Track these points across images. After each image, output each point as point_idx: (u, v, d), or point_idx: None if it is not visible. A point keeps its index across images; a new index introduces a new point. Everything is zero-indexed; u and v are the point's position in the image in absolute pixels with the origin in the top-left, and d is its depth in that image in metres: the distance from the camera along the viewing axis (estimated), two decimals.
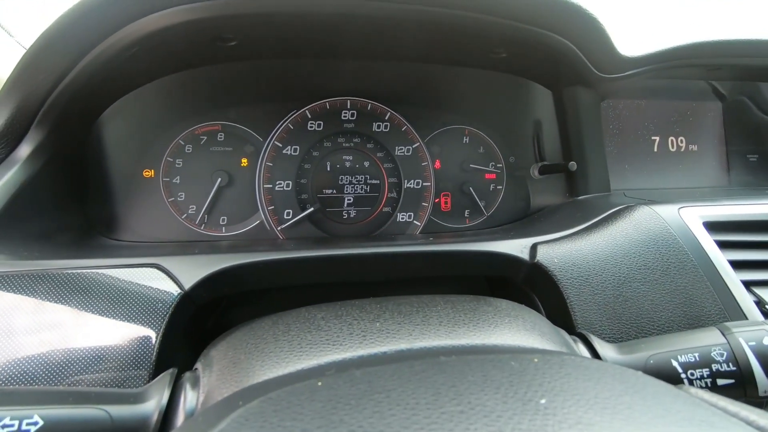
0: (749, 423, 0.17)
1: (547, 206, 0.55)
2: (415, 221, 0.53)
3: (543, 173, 0.53)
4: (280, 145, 0.50)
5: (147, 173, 0.49)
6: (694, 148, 0.71)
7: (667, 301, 0.35)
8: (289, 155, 0.50)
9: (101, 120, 0.44)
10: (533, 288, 0.39)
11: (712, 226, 0.39)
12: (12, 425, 0.18)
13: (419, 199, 0.54)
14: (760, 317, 0.35)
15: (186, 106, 0.49)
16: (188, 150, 0.50)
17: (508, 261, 0.38)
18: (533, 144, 0.55)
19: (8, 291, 0.29)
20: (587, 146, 0.51)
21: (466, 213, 0.57)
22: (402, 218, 0.53)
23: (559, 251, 0.38)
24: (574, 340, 0.29)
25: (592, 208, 0.45)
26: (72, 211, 0.43)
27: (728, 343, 0.25)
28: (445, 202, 0.56)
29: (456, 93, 0.55)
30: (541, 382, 0.17)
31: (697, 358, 0.25)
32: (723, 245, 0.38)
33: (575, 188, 0.53)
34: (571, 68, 0.46)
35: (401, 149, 0.53)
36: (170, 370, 0.25)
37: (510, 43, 0.43)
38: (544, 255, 0.38)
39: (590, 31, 0.41)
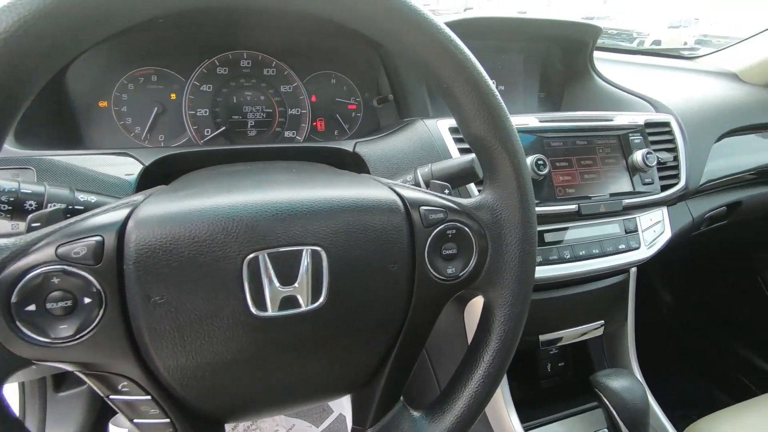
0: (391, 187, 0.45)
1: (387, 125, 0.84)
2: (297, 137, 0.80)
3: (379, 103, 0.81)
4: (198, 84, 0.73)
5: (102, 104, 0.70)
6: (502, 88, 1.03)
7: None
8: (205, 91, 0.74)
9: (73, 65, 0.65)
10: (356, 169, 0.68)
11: (452, 130, 0.69)
12: None
13: (300, 122, 0.80)
14: None
15: (127, 56, 0.70)
16: (131, 87, 0.71)
17: (339, 152, 0.66)
18: (376, 85, 0.83)
19: (50, 168, 0.51)
20: (406, 86, 0.80)
21: (335, 132, 0.84)
22: (288, 135, 0.79)
23: (370, 146, 0.67)
24: None
25: (401, 123, 0.74)
26: (60, 128, 0.64)
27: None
28: (320, 125, 0.83)
29: (324, 51, 0.80)
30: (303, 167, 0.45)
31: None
32: (456, 140, 0.68)
33: (402, 113, 0.82)
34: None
35: (285, 87, 0.78)
36: None
37: (334, 24, 0.69)
38: (359, 148, 0.66)
39: None
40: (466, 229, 0.42)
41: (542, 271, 0.72)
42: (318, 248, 0.35)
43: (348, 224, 0.37)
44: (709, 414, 0.85)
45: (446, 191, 0.48)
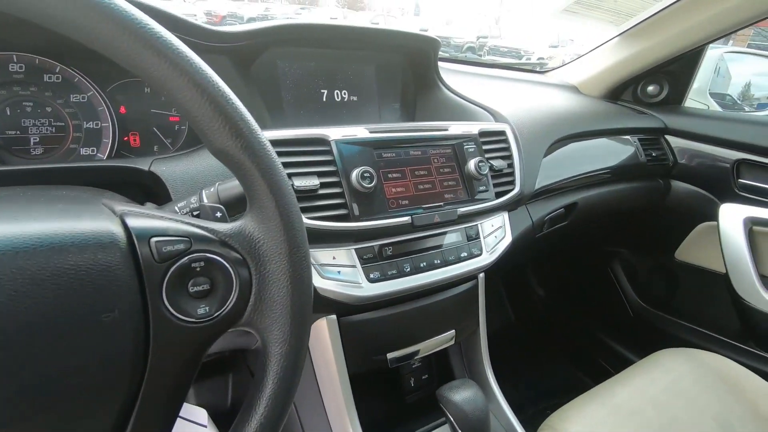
0: (121, 216, 0.38)
1: None
2: (99, 154, 0.68)
3: None
4: None
5: None
6: (354, 98, 1.00)
7: None
8: None
9: None
10: (157, 188, 0.59)
11: (274, 143, 0.64)
12: None
13: (101, 137, 0.68)
14: None
15: None
16: None
17: (132, 171, 0.57)
18: None
19: None
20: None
21: (155, 148, 0.74)
22: (85, 152, 0.67)
23: (170, 164, 0.59)
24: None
25: None
26: None
27: None
28: (135, 140, 0.72)
29: None
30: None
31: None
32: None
33: None
34: (189, 41, 0.65)
35: (76, 97, 0.66)
36: None
37: None
38: (156, 166, 0.58)
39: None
40: (219, 259, 0.36)
41: (382, 287, 0.69)
42: None
43: (29, 269, 0.28)
44: (562, 406, 0.89)
45: (218, 214, 0.42)
